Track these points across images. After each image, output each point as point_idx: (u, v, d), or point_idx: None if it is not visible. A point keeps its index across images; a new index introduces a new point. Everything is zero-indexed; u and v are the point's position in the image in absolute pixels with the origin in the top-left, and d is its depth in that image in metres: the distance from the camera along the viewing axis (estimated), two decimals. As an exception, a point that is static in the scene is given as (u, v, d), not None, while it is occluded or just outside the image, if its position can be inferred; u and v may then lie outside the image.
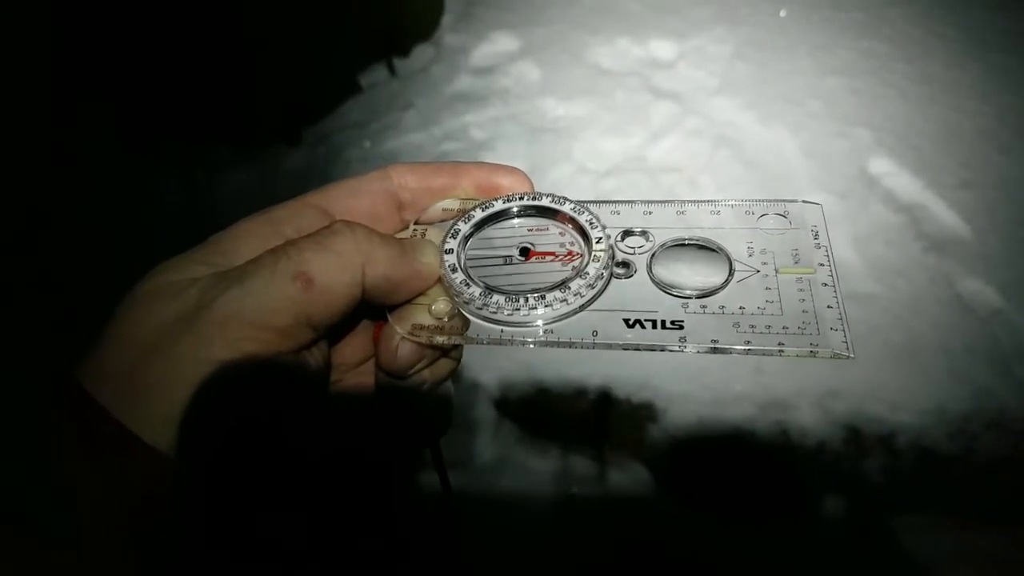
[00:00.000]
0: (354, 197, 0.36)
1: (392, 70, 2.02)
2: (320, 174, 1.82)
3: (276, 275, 0.30)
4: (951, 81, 1.73)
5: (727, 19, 1.93)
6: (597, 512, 1.19)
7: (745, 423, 1.25)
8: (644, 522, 1.17)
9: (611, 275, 0.35)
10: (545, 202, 0.37)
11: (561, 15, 2.04)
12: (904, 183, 1.55)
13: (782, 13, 1.22)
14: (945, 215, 1.49)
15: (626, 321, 0.33)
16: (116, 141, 1.88)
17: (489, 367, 1.33)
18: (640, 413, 1.28)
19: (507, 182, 0.38)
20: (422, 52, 2.05)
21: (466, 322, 0.34)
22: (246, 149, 1.88)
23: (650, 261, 0.35)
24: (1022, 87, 1.70)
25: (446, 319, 0.34)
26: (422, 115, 1.90)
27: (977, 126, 1.63)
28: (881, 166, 1.58)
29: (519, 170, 0.39)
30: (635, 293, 0.34)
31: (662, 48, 1.88)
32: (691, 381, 1.30)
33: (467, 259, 0.36)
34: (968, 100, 1.69)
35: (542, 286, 0.34)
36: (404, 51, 2.03)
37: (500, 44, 2.02)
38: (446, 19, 2.08)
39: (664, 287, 0.34)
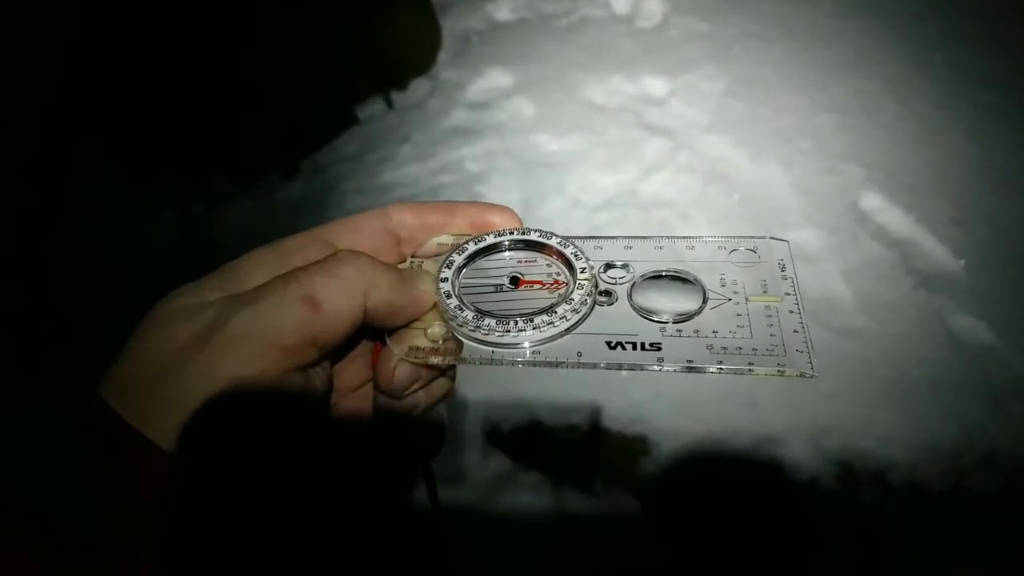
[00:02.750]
0: (357, 232, 0.39)
1: (389, 104, 2.05)
2: (317, 206, 1.83)
3: (286, 298, 0.33)
4: (942, 120, 1.76)
5: (719, 57, 1.96)
6: (587, 540, 1.18)
7: (738, 457, 1.25)
8: (635, 551, 1.16)
9: (594, 302, 0.37)
10: (533, 236, 0.40)
11: (555, 52, 2.07)
12: (895, 219, 1.57)
13: (962, 263, 1.32)
14: (936, 251, 1.50)
15: (608, 343, 0.35)
16: (115, 172, 1.90)
17: (481, 390, 1.33)
18: (633, 446, 1.28)
19: (498, 219, 0.41)
20: (419, 86, 2.08)
21: (460, 344, 0.37)
22: (243, 181, 1.89)
23: (630, 290, 0.38)
24: (1012, 127, 1.73)
25: (441, 341, 0.37)
26: (418, 148, 1.92)
27: (967, 164, 1.65)
28: (872, 202, 1.59)
29: (509, 208, 0.42)
30: (616, 319, 0.37)
31: (654, 85, 1.91)
32: (684, 415, 1.29)
33: (461, 287, 0.38)
34: (959, 139, 1.71)
35: (530, 311, 0.36)
36: (401, 85, 2.06)
37: (495, 80, 2.05)
38: (443, 55, 2.12)
39: (643, 313, 0.37)
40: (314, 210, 1.83)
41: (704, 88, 1.88)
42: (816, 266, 1.47)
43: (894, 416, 1.26)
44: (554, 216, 1.64)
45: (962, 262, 1.39)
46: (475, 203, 0.41)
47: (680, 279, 0.39)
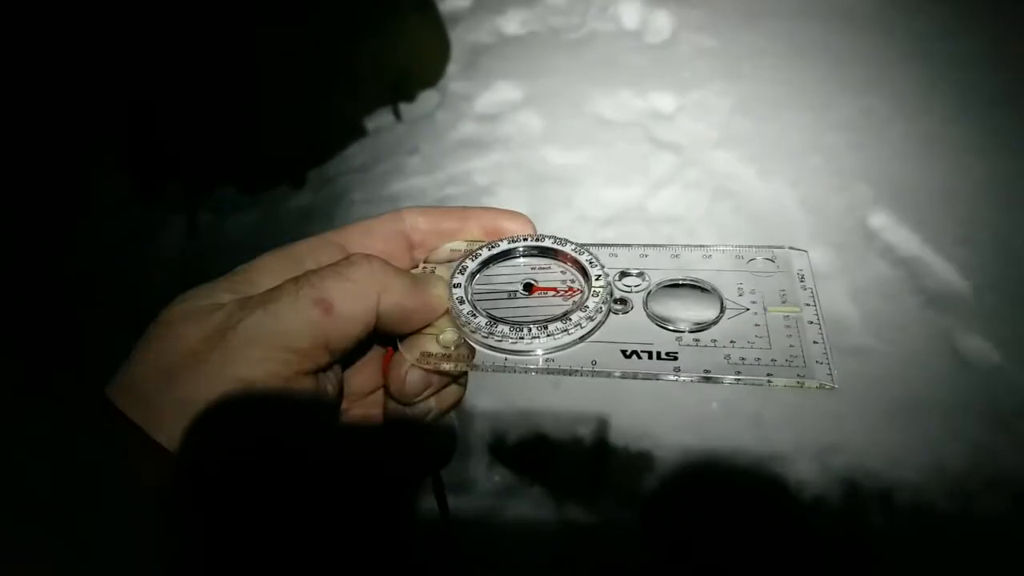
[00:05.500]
0: (369, 236, 0.39)
1: (398, 115, 2.05)
2: (324, 216, 1.84)
3: (298, 301, 0.32)
4: (950, 139, 1.76)
5: (728, 74, 1.97)
6: (591, 554, 1.17)
7: (744, 475, 1.24)
8: (637, 566, 1.16)
9: (609, 310, 0.37)
10: (547, 243, 0.40)
11: (563, 66, 2.08)
12: (903, 238, 1.57)
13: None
14: (943, 270, 1.50)
15: (624, 352, 0.35)
16: (122, 182, 1.91)
17: (488, 400, 1.33)
18: (638, 463, 1.27)
19: (512, 226, 0.40)
20: (427, 98, 2.09)
21: (472, 351, 0.36)
22: (251, 191, 1.90)
23: (646, 298, 0.38)
24: (1020, 147, 1.73)
25: (453, 348, 0.37)
26: (426, 160, 1.92)
27: (974, 183, 1.65)
28: (880, 220, 1.59)
29: (523, 214, 0.42)
30: (632, 327, 0.36)
31: (663, 100, 1.92)
32: (691, 432, 1.29)
33: (474, 293, 0.38)
34: (966, 157, 1.71)
35: (544, 318, 0.36)
36: (410, 97, 2.07)
37: (504, 93, 2.06)
38: (452, 67, 2.12)
39: (659, 322, 0.37)
40: (322, 220, 1.83)
41: (713, 104, 1.88)
42: (823, 283, 1.47)
43: (901, 436, 1.25)
44: (561, 230, 1.64)
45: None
46: (489, 209, 0.41)
47: (697, 288, 0.38)
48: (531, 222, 0.41)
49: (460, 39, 2.17)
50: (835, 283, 1.47)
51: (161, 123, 1.86)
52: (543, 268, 0.40)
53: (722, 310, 0.37)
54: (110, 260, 1.85)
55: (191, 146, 1.84)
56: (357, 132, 2.00)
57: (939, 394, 1.30)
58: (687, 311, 0.37)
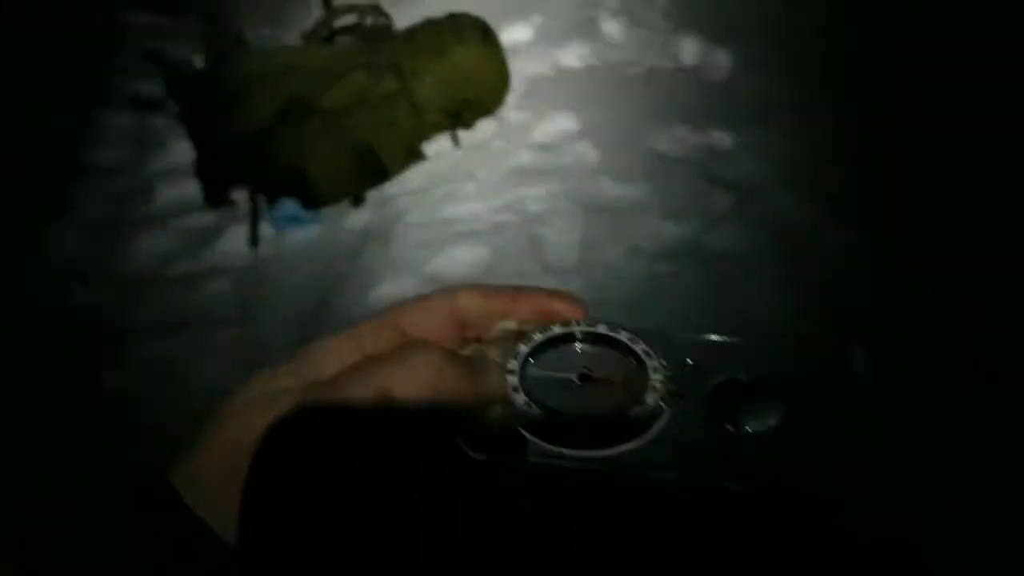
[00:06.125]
0: (424, 316, 0.39)
1: (456, 141, 2.10)
2: (380, 236, 1.88)
3: (361, 390, 0.33)
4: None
5: (787, 113, 1.97)
6: None
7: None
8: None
9: (669, 406, 0.35)
10: (601, 329, 0.39)
11: (621, 100, 2.11)
12: None
13: None
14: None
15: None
16: (193, 194, 1.99)
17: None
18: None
19: (563, 307, 0.40)
20: (485, 126, 2.13)
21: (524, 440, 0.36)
22: (313, 206, 1.95)
23: (707, 393, 0.36)
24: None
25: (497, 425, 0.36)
26: (482, 186, 1.96)
27: None
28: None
29: (574, 296, 0.41)
30: (693, 426, 0.34)
31: (720, 138, 1.93)
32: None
33: (528, 381, 0.37)
34: None
35: (601, 412, 0.35)
36: (469, 124, 2.11)
37: (561, 124, 2.10)
38: (510, 97, 2.17)
39: (722, 421, 0.35)
40: (377, 240, 1.88)
41: (771, 143, 1.89)
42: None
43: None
44: (614, 263, 1.66)
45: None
46: (540, 289, 0.41)
47: (763, 386, 0.36)
48: (583, 304, 0.41)
49: (520, 70, 2.21)
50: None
51: (229, 142, 1.93)
52: (598, 356, 0.38)
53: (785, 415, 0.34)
54: (171, 265, 1.93)
55: (259, 161, 1.91)
56: (416, 156, 2.05)
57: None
58: (752, 411, 0.35)
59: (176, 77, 2.10)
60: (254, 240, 1.94)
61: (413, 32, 2.07)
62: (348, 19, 2.14)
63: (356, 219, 1.96)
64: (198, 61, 2.17)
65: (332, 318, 1.72)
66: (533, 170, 1.98)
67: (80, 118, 2.46)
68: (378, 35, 2.00)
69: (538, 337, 0.38)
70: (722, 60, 2.18)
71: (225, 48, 2.09)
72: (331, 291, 1.78)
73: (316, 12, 2.41)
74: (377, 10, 2.06)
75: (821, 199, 1.74)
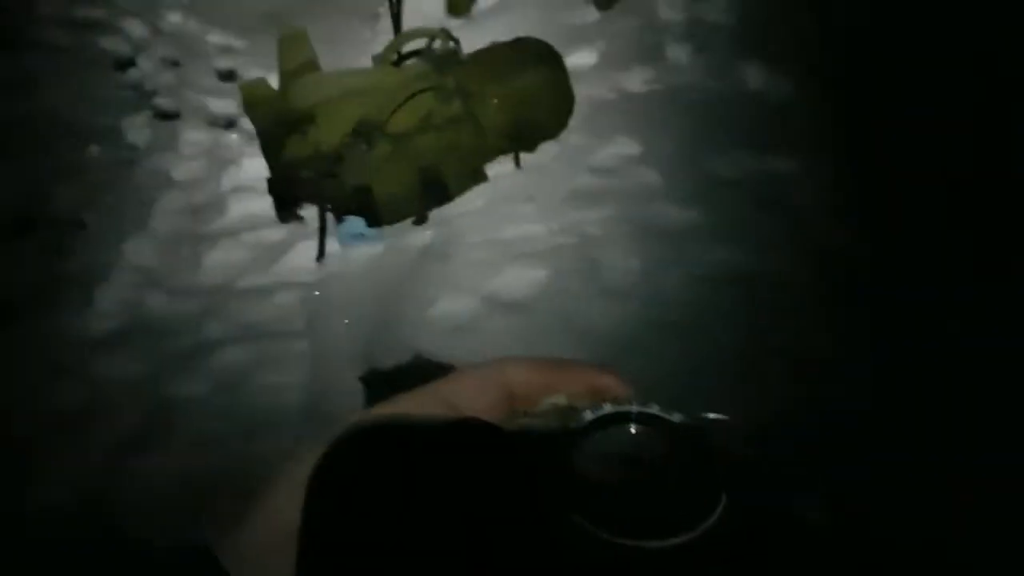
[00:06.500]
0: (471, 388, 0.39)
1: (518, 163, 2.14)
2: (441, 255, 1.92)
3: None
4: None
5: (849, 140, 1.94)
6: None
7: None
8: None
9: (723, 498, 0.33)
10: (655, 411, 0.37)
11: (683, 124, 2.11)
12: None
13: None
14: None
15: None
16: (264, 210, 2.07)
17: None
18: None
19: (612, 384, 0.40)
20: (547, 149, 2.16)
21: None
22: (377, 224, 2.01)
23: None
24: None
25: None
26: (541, 208, 1.99)
27: None
28: None
29: (622, 374, 0.40)
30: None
31: (780, 164, 1.91)
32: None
33: (578, 459, 0.35)
34: None
35: (651, 499, 0.33)
36: (531, 147, 2.14)
37: (622, 147, 2.11)
38: (573, 120, 2.20)
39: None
40: (439, 259, 1.92)
41: (832, 171, 1.87)
42: None
43: None
44: (671, 289, 1.66)
45: None
46: (590, 365, 0.40)
47: (815, 480, 0.37)
48: (630, 382, 0.40)
49: (583, 94, 2.24)
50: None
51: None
52: (651, 438, 0.37)
53: None
54: (243, 277, 2.01)
55: (332, 179, 1.98)
56: (478, 177, 2.09)
57: None
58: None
59: (251, 96, 2.19)
60: (320, 255, 2.01)
61: (480, 56, 2.12)
62: (417, 43, 2.20)
63: (418, 238, 2.01)
64: (273, 81, 2.26)
65: (393, 333, 1.76)
66: (593, 193, 1.99)
67: (159, 133, 2.59)
68: (446, 59, 2.06)
69: (590, 415, 0.37)
70: (785, 87, 2.16)
71: (298, 70, 2.18)
72: (393, 307, 1.83)
73: (386, 36, 2.49)
74: (446, 34, 2.12)
75: (881, 229, 1.71)
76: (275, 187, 2.09)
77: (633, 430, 0.36)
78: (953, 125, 1.94)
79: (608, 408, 0.36)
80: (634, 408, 0.36)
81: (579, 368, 0.39)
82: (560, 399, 0.38)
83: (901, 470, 1.25)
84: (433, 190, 2.03)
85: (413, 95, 2.00)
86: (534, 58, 2.10)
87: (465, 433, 0.33)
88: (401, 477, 0.31)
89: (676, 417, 0.35)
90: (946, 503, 1.21)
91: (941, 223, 1.70)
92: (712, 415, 0.35)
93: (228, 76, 2.96)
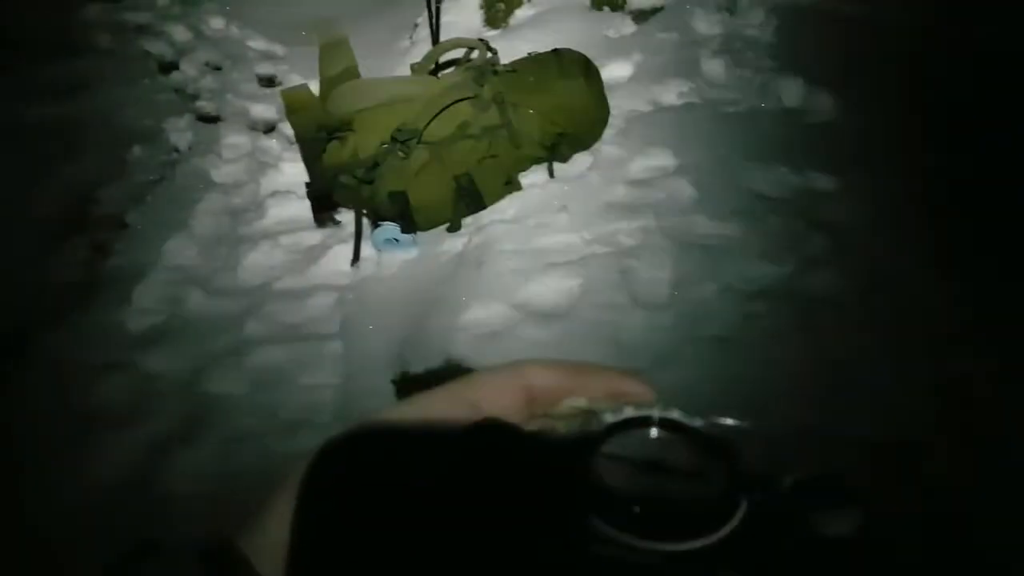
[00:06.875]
0: (494, 389, 0.40)
1: (551, 173, 2.15)
2: (474, 261, 1.94)
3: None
4: None
5: (891, 158, 1.93)
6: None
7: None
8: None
9: (743, 504, 0.33)
10: (676, 416, 0.38)
11: (719, 138, 2.11)
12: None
13: None
14: None
15: None
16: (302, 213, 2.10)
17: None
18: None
19: (633, 388, 0.40)
20: (581, 160, 2.18)
21: None
22: (411, 230, 2.04)
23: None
24: None
25: None
26: (574, 218, 1.99)
27: None
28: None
29: (643, 378, 0.41)
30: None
31: (821, 180, 1.90)
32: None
33: (599, 462, 0.36)
34: None
35: (671, 503, 0.33)
36: (565, 157, 2.16)
37: (657, 159, 2.11)
38: (608, 132, 2.21)
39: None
40: (471, 265, 1.93)
41: (873, 188, 1.85)
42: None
43: None
44: (705, 302, 1.66)
45: None
46: (609, 369, 0.41)
47: (840, 487, 0.37)
48: (651, 387, 0.40)
49: (618, 106, 2.25)
50: None
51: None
52: (672, 444, 0.37)
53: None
54: (280, 279, 2.05)
55: (363, 182, 2.01)
56: (511, 186, 2.11)
57: None
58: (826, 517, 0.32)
59: (292, 102, 2.23)
60: (355, 259, 2.04)
61: (517, 67, 2.14)
62: (455, 53, 2.24)
63: (452, 244, 2.03)
64: (313, 87, 2.30)
65: (425, 338, 1.78)
66: (627, 204, 2.00)
67: (200, 136, 2.64)
68: (483, 69, 2.08)
69: (611, 418, 0.37)
70: (824, 102, 2.16)
71: (339, 77, 2.22)
72: (425, 311, 1.85)
73: (425, 45, 2.53)
74: (484, 45, 2.15)
75: (920, 247, 1.70)
76: (313, 192, 2.13)
77: (654, 434, 0.36)
78: (995, 141, 1.92)
79: (629, 412, 0.37)
80: (655, 412, 0.37)
81: (600, 372, 0.40)
82: (581, 402, 0.39)
83: (930, 490, 1.24)
84: (467, 198, 2.05)
85: (451, 104, 2.02)
86: (570, 70, 2.11)
87: (485, 433, 0.34)
88: (403, 476, 0.32)
89: (697, 422, 0.36)
90: (969, 517, 1.20)
91: (982, 240, 1.68)
92: (732, 420, 0.35)
93: (268, 82, 3.02)
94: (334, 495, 0.32)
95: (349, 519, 0.32)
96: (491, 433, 0.34)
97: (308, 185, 2.15)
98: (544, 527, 0.32)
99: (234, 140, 2.56)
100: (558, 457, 0.34)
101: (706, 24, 2.56)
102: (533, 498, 0.32)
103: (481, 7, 2.94)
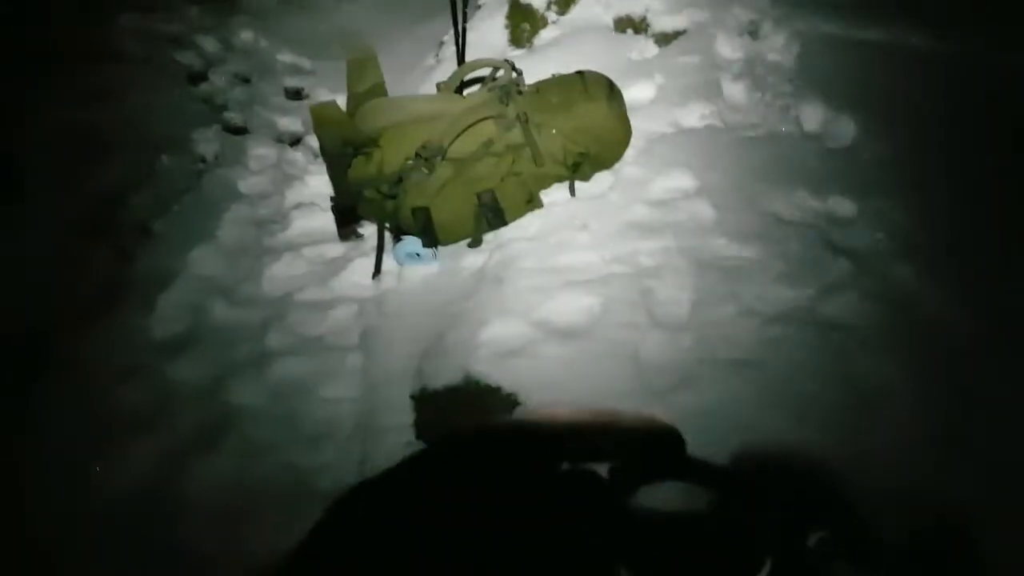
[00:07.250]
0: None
1: (573, 192, 2.17)
2: (494, 277, 1.96)
3: None
4: None
5: (910, 184, 1.94)
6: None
7: None
8: None
9: (767, 560, 0.34)
10: (706, 464, 0.38)
11: (739, 161, 2.12)
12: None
13: None
14: None
15: None
16: (326, 225, 2.13)
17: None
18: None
19: (665, 435, 0.41)
20: (602, 179, 2.19)
21: None
22: (432, 245, 2.06)
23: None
24: None
25: None
26: (595, 237, 2.01)
27: None
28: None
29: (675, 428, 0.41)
30: None
31: (841, 205, 1.91)
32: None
33: (627, 510, 0.36)
34: None
35: (695, 556, 0.34)
36: (586, 177, 2.18)
37: (677, 181, 2.12)
38: (629, 152, 2.22)
39: None
40: (492, 282, 1.95)
41: (893, 214, 1.86)
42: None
43: None
44: (723, 322, 1.66)
45: None
46: (646, 417, 0.41)
47: (863, 546, 0.35)
48: (682, 437, 0.40)
49: (640, 127, 2.27)
50: None
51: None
52: (699, 492, 0.37)
53: None
54: (303, 290, 2.07)
55: (387, 197, 2.03)
56: (534, 204, 2.13)
57: None
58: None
59: (320, 117, 2.26)
60: (377, 272, 2.06)
61: (541, 87, 2.17)
62: (481, 72, 2.26)
63: (472, 260, 2.05)
64: (340, 102, 2.34)
65: (444, 353, 1.80)
66: (647, 225, 2.01)
67: (227, 147, 2.69)
68: (508, 89, 2.11)
69: (640, 467, 0.37)
70: (845, 127, 2.16)
71: (367, 93, 2.25)
72: (445, 326, 1.87)
73: (450, 63, 2.56)
74: (509, 65, 2.17)
75: (943, 273, 1.70)
76: (338, 205, 2.16)
77: (683, 484, 0.37)
78: (1019, 166, 1.92)
79: (656, 460, 0.37)
80: (686, 460, 0.37)
81: (633, 418, 0.40)
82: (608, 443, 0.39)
83: (961, 530, 1.23)
84: (489, 214, 2.07)
85: (475, 123, 2.05)
86: (594, 91, 2.13)
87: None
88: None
89: (724, 471, 0.36)
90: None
91: (1005, 265, 1.68)
92: (756, 461, 0.35)
93: (295, 94, 3.07)
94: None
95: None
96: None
97: (333, 199, 2.18)
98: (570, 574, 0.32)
99: (261, 152, 2.61)
100: (586, 504, 0.34)
101: (728, 48, 2.58)
102: (560, 545, 0.32)
103: (506, 26, 2.98)
